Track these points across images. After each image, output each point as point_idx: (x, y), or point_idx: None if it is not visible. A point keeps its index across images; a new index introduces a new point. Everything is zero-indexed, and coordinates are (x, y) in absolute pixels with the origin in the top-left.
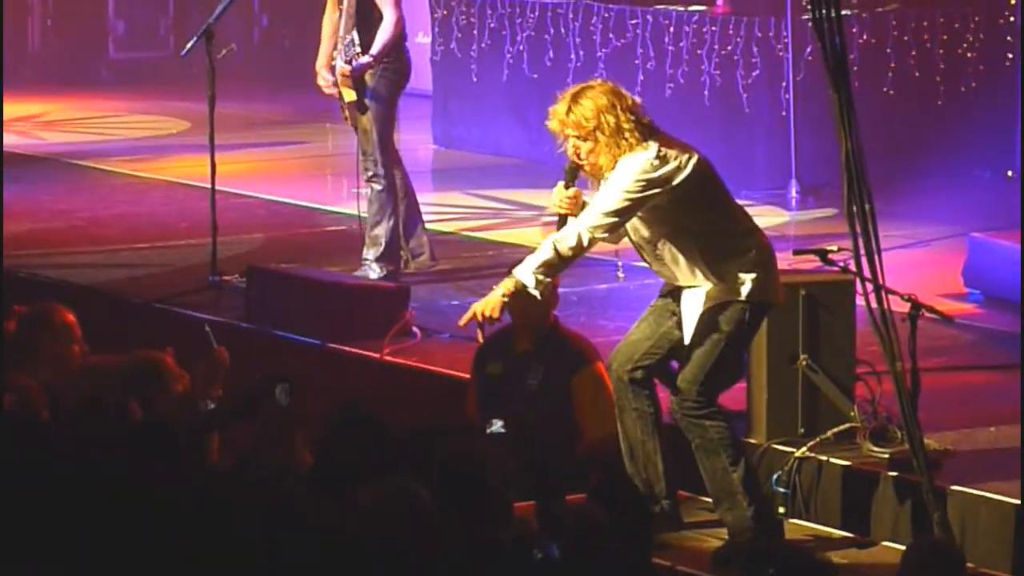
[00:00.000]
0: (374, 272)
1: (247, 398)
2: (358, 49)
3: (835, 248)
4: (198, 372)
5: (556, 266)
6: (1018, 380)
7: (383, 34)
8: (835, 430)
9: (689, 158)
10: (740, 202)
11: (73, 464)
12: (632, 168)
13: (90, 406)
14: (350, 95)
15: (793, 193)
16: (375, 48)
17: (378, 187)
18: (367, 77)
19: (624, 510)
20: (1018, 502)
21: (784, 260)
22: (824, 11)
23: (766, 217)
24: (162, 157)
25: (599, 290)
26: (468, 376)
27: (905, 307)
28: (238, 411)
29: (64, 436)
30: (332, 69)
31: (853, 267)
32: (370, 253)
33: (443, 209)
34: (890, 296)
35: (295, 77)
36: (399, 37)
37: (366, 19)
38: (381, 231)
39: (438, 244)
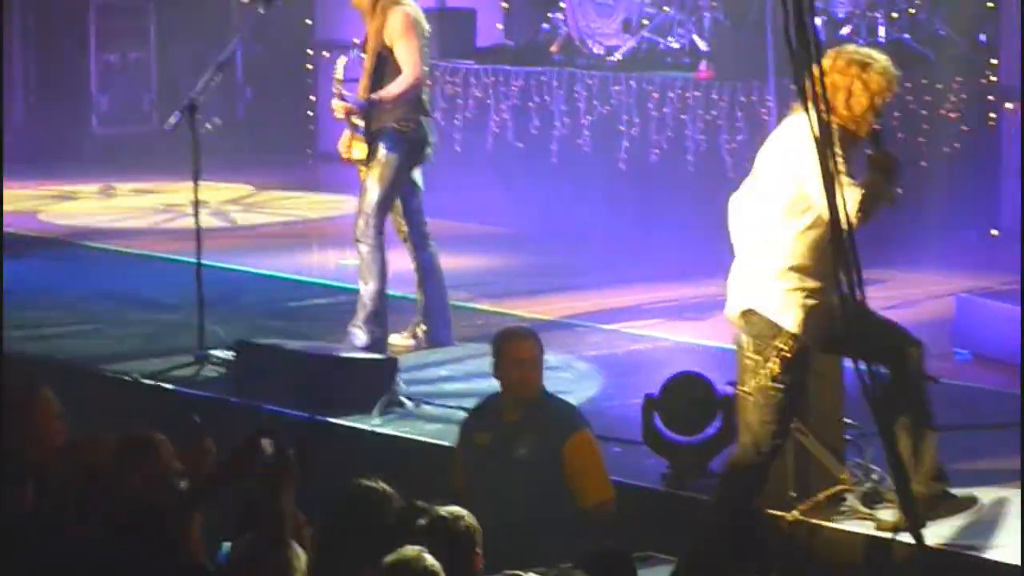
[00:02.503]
0: (358, 338)
1: (221, 463)
2: (339, 77)
3: None
4: (186, 460)
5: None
6: (1009, 439)
7: (395, 86)
8: (826, 493)
9: None
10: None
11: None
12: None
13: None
14: (362, 151)
15: None
16: (380, 93)
17: (364, 248)
18: (382, 141)
19: None
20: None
21: None
22: (811, 79)
23: None
24: (147, 232)
25: (584, 356)
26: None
27: None
28: (214, 480)
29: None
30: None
31: None
32: (358, 317)
33: None
34: None
35: (280, 150)
36: (413, 99)
37: (384, 80)
38: (367, 294)
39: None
